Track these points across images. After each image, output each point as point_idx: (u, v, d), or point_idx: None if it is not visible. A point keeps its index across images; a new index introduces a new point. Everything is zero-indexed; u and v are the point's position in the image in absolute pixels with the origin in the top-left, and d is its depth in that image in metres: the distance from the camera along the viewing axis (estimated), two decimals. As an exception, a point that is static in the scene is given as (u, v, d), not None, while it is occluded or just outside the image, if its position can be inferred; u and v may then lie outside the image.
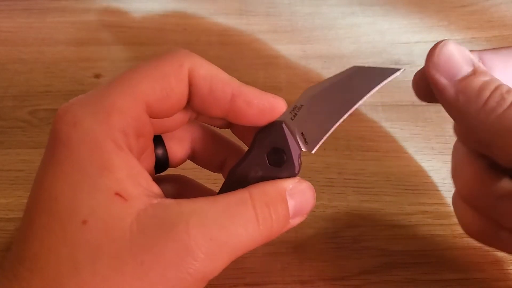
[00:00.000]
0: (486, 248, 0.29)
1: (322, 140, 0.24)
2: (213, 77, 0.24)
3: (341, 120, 0.24)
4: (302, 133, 0.25)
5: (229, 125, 0.27)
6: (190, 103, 0.25)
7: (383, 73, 0.24)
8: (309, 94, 0.25)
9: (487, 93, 0.22)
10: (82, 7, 0.48)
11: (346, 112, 0.24)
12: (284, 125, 0.25)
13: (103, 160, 0.21)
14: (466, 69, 0.23)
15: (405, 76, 0.41)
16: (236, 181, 0.25)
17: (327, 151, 0.37)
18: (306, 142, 0.25)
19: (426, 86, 0.25)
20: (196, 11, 0.48)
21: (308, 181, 0.34)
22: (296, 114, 0.25)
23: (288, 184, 0.24)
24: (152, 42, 0.45)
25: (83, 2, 0.49)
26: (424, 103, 0.40)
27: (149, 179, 0.23)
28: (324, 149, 0.37)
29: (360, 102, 0.23)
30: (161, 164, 0.27)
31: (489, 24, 0.46)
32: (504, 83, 0.23)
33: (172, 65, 0.24)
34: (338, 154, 0.36)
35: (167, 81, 0.23)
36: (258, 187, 0.24)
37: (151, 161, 0.26)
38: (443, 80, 0.23)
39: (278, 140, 0.25)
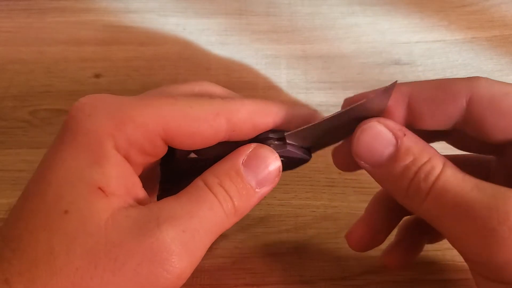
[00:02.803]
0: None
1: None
2: (253, 115, 0.24)
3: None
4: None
5: None
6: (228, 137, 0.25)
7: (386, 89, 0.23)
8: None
9: (405, 182, 0.22)
10: (82, 7, 0.48)
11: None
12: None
13: (98, 155, 0.22)
14: (387, 153, 0.23)
15: (405, 76, 0.42)
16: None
17: (328, 151, 0.36)
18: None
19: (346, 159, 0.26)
20: (196, 11, 0.48)
21: (309, 181, 0.35)
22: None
23: (241, 156, 0.24)
24: (152, 42, 0.45)
25: (83, 2, 0.49)
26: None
27: (139, 186, 0.23)
28: (325, 149, 0.37)
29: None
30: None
31: (490, 24, 0.46)
32: (434, 126, 0.23)
33: (207, 112, 0.23)
34: (338, 154, 0.36)
35: (198, 126, 0.23)
36: (210, 170, 0.24)
37: (152, 185, 0.27)
38: (366, 166, 0.24)
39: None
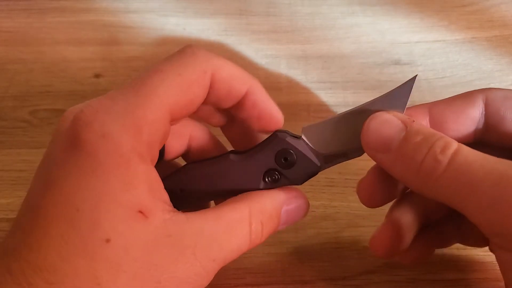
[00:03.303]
0: (486, 248, 0.29)
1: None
2: (231, 78, 0.25)
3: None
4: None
5: (224, 122, 0.28)
6: (204, 100, 0.25)
7: (405, 86, 0.24)
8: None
9: (419, 158, 0.22)
10: (82, 7, 0.48)
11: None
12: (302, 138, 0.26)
13: (128, 176, 0.21)
14: (397, 136, 0.23)
15: (405, 76, 0.42)
16: (247, 172, 0.26)
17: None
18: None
19: (371, 194, 0.26)
20: (196, 11, 0.48)
21: (309, 181, 0.34)
22: (321, 131, 0.25)
23: (287, 201, 0.26)
24: (152, 42, 0.45)
25: (83, 2, 0.49)
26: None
27: (163, 189, 0.23)
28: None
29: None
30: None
31: (490, 23, 0.46)
32: (456, 135, 0.23)
33: (195, 72, 0.24)
34: (338, 154, 0.36)
35: (192, 91, 0.24)
36: (259, 202, 0.25)
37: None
38: (378, 155, 0.24)
39: (295, 150, 0.25)
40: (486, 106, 0.25)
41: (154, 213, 0.22)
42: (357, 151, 0.25)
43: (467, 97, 0.25)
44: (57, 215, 0.20)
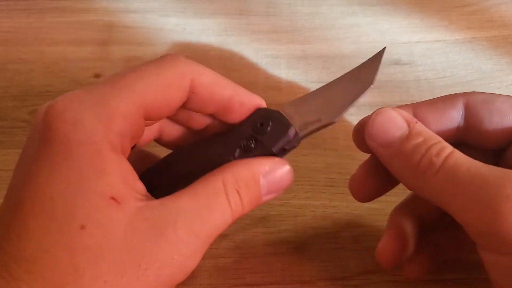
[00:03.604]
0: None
1: (345, 112, 0.26)
2: (213, 83, 0.25)
3: (363, 95, 0.25)
4: (304, 122, 0.26)
5: (204, 126, 0.28)
6: (185, 105, 0.26)
7: (375, 59, 0.26)
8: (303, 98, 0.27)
9: (417, 158, 0.24)
10: (82, 7, 0.48)
11: (366, 88, 0.25)
12: (281, 112, 0.26)
13: (100, 163, 0.22)
14: (399, 134, 0.24)
15: (405, 76, 0.42)
16: (219, 147, 0.26)
17: (327, 151, 0.37)
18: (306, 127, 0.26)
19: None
20: (196, 11, 0.48)
21: (309, 181, 0.35)
22: (297, 105, 0.26)
23: (264, 167, 0.25)
24: (152, 42, 0.45)
25: (83, 2, 0.49)
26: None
27: (136, 178, 0.23)
28: (325, 149, 0.37)
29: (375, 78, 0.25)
30: None
31: (490, 24, 0.46)
32: (438, 134, 0.24)
33: (174, 75, 0.24)
34: (338, 154, 0.36)
35: (169, 92, 0.24)
36: (232, 171, 0.24)
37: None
38: (379, 148, 0.25)
39: (271, 115, 0.26)
40: (466, 108, 0.26)
41: (127, 200, 0.22)
42: (330, 116, 0.26)
43: (449, 99, 0.27)
44: (34, 207, 0.21)
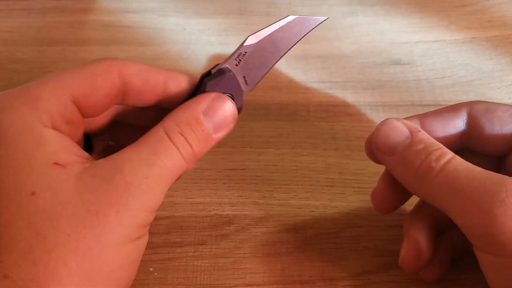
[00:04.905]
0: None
1: (259, 81, 0.28)
2: (144, 70, 0.27)
3: (274, 64, 0.28)
4: (244, 77, 0.28)
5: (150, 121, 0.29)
6: (126, 99, 0.27)
7: (310, 22, 0.29)
8: (251, 43, 0.29)
9: (417, 162, 0.25)
10: (82, 7, 0.48)
11: (277, 58, 0.28)
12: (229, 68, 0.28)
13: (35, 137, 0.23)
14: (402, 142, 0.26)
15: (405, 77, 0.42)
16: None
17: (327, 151, 0.37)
18: (247, 83, 0.28)
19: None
20: (196, 11, 0.48)
21: (308, 181, 0.35)
22: (240, 60, 0.28)
23: (202, 105, 0.26)
24: (152, 42, 0.45)
25: (83, 2, 0.49)
26: (424, 103, 0.40)
27: (78, 147, 0.25)
28: (325, 149, 0.37)
29: (289, 50, 0.28)
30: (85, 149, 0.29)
31: (490, 23, 0.46)
32: (443, 143, 0.26)
33: (100, 66, 0.26)
34: (338, 154, 0.36)
35: (94, 79, 0.26)
36: (171, 117, 0.26)
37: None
38: (384, 156, 0.27)
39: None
40: (469, 117, 0.28)
41: (71, 163, 0.23)
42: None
43: (453, 109, 0.28)
44: None
